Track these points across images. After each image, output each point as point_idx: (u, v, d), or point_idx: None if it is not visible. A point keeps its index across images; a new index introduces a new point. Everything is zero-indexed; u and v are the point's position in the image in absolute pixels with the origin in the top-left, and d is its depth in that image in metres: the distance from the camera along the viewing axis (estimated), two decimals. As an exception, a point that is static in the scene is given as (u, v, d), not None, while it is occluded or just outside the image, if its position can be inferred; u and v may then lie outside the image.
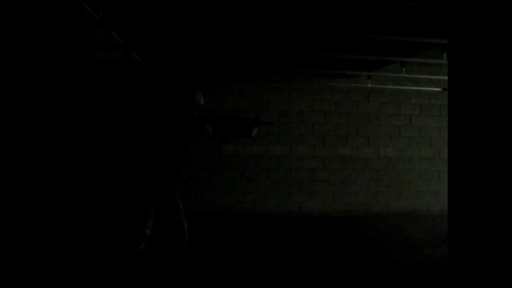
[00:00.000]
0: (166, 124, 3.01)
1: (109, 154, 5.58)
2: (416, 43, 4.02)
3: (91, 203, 5.57)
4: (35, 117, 5.20)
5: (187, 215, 3.28)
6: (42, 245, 4.00)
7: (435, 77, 5.58)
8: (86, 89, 5.57)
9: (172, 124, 2.99)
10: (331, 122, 6.24)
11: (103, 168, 5.58)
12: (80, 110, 5.53)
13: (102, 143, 5.59)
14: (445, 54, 3.94)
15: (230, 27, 3.97)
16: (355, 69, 5.59)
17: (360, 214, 6.29)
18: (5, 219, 4.23)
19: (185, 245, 3.13)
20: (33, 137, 5.20)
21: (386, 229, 5.35)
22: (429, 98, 6.45)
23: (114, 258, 3.37)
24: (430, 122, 6.48)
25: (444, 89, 6.02)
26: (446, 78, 5.64)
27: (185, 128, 2.99)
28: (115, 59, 4.85)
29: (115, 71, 5.59)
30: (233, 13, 3.57)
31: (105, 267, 3.43)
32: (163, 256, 3.31)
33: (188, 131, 3.00)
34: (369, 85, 5.78)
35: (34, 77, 5.11)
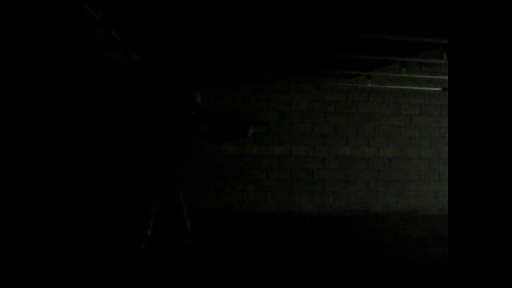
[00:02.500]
0: (163, 122, 3.02)
1: (109, 154, 5.58)
2: (416, 43, 4.03)
3: (92, 203, 5.56)
4: (33, 118, 5.20)
5: (187, 215, 3.28)
6: (43, 244, 4.00)
7: (435, 77, 5.59)
8: (85, 89, 5.56)
9: (169, 122, 2.99)
10: (331, 122, 6.24)
11: (104, 167, 5.58)
12: (79, 109, 5.53)
13: (101, 142, 5.59)
14: (445, 54, 3.95)
15: (230, 27, 3.97)
16: (355, 69, 5.59)
17: (360, 214, 6.29)
18: (5, 219, 4.23)
19: (188, 245, 3.13)
20: (32, 136, 5.19)
21: (386, 229, 5.35)
22: (429, 98, 6.45)
23: (116, 258, 3.37)
24: (430, 122, 6.48)
25: (444, 89, 6.03)
26: (446, 78, 5.64)
27: (182, 126, 3.00)
28: (115, 59, 4.84)
29: (115, 71, 5.58)
30: (233, 13, 3.57)
31: (107, 266, 3.43)
32: (165, 255, 3.31)
33: (185, 130, 3.01)
34: (369, 85, 5.79)
35: (32, 77, 5.11)
